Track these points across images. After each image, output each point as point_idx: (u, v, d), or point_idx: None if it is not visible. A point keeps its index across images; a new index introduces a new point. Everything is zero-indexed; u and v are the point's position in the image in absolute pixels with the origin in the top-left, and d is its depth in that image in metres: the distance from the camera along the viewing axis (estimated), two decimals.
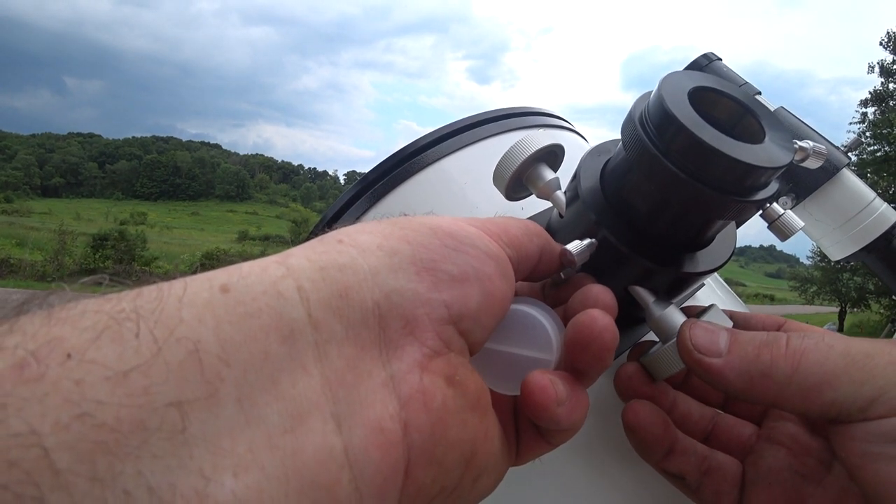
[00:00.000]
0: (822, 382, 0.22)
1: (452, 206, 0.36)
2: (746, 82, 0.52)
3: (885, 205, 0.49)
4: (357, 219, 0.38)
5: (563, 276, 0.28)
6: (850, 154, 0.50)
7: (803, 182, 0.49)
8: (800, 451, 0.25)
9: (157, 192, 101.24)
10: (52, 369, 0.11)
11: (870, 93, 20.02)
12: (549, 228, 0.32)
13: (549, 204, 0.32)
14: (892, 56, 19.36)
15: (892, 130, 16.99)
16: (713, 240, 0.28)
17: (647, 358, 0.27)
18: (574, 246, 0.26)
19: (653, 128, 0.24)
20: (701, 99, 0.25)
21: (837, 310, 23.43)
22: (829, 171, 0.49)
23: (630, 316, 0.30)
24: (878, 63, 19.66)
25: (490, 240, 0.21)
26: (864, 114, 20.07)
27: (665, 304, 0.27)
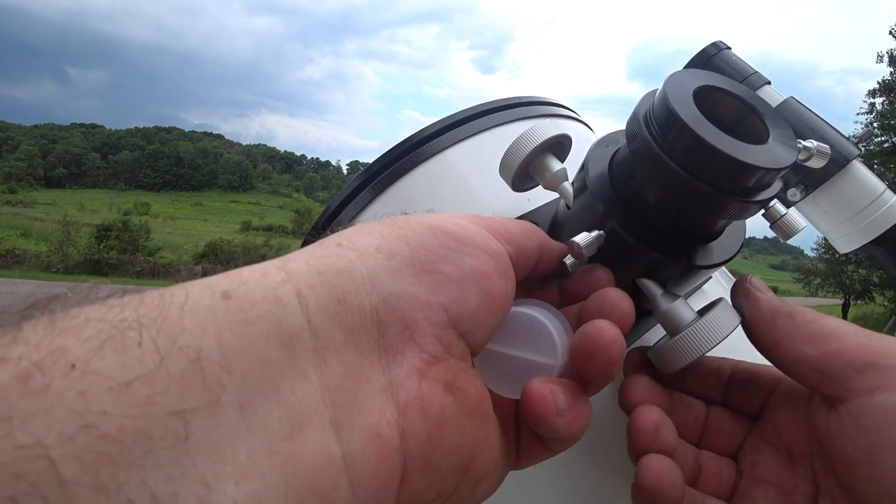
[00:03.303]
0: (829, 335, 0.23)
1: (456, 198, 0.36)
2: (756, 71, 0.52)
3: (895, 198, 0.48)
4: (361, 209, 0.38)
5: (569, 269, 0.27)
6: (860, 145, 0.49)
7: (812, 173, 0.48)
8: (787, 489, 0.25)
9: (160, 182, 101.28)
10: (56, 381, 0.11)
11: (878, 83, 19.81)
12: (556, 219, 0.32)
13: (553, 195, 0.32)
14: None
15: None
16: (722, 232, 0.28)
17: (655, 351, 0.27)
18: (582, 238, 0.26)
19: (657, 126, 0.24)
20: (706, 97, 0.25)
21: (841, 302, 23.32)
22: (838, 162, 0.48)
23: (637, 308, 0.29)
24: (886, 52, 19.43)
25: (490, 237, 0.21)
26: (872, 104, 19.84)
27: (673, 298, 0.27)
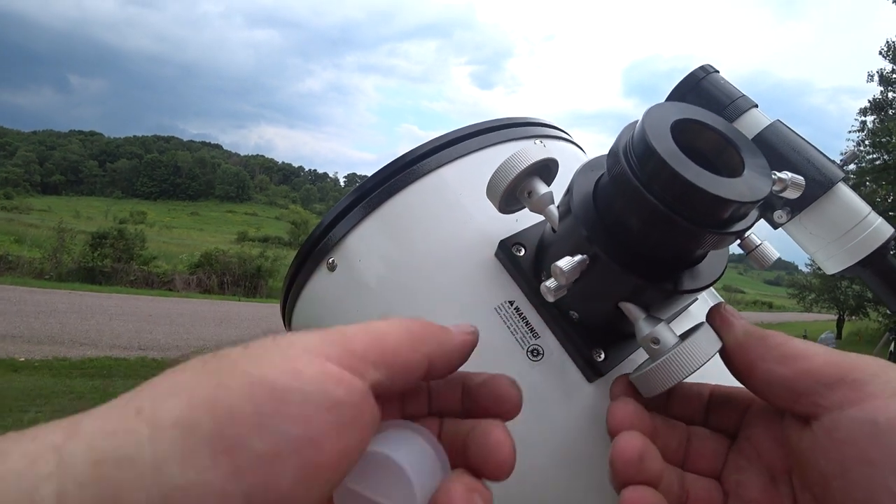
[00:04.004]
0: (798, 355, 0.24)
1: (448, 217, 0.37)
2: (743, 95, 0.52)
3: (881, 219, 0.48)
4: (354, 226, 0.38)
5: (552, 294, 0.27)
6: (845, 168, 0.50)
7: (800, 196, 0.49)
8: None
9: (157, 191, 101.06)
10: None
11: (869, 101, 20.07)
12: (543, 241, 0.33)
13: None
14: (891, 65, 19.36)
15: (891, 139, 16.97)
16: (706, 256, 0.28)
17: (638, 376, 0.27)
18: (565, 262, 0.26)
19: (635, 159, 0.24)
20: (685, 129, 0.26)
21: (836, 317, 23.42)
22: (824, 184, 0.48)
23: (621, 330, 0.30)
24: (877, 72, 19.70)
25: (335, 381, 0.18)
26: (864, 122, 20.09)
27: (655, 322, 0.27)
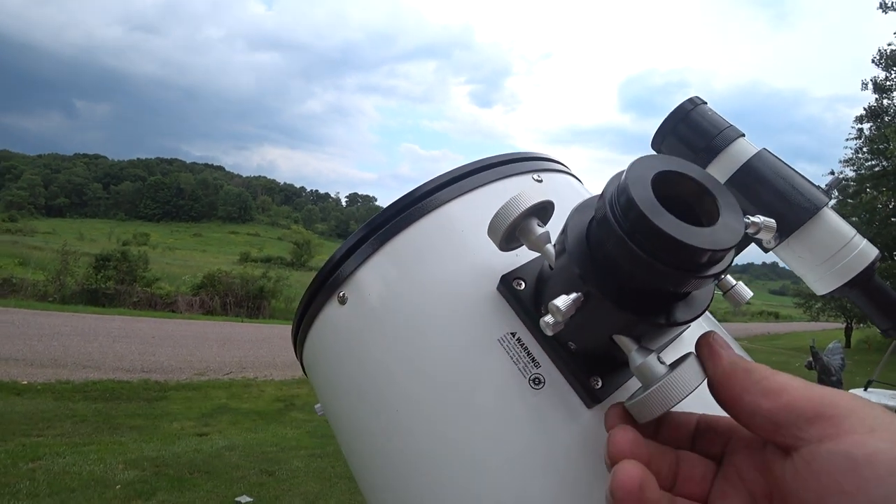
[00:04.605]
0: (781, 389, 0.25)
1: (453, 252, 0.38)
2: (730, 125, 0.54)
3: (865, 241, 0.50)
4: (362, 262, 0.40)
5: (551, 328, 0.29)
6: (830, 193, 0.52)
7: (786, 221, 0.50)
8: None
9: (160, 212, 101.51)
10: None
11: (864, 109, 20.08)
12: (542, 276, 0.35)
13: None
14: (884, 73, 19.37)
15: (889, 145, 16.91)
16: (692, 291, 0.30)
17: (631, 403, 0.29)
18: (562, 301, 0.28)
19: (619, 210, 0.27)
20: (666, 179, 0.29)
21: (843, 326, 23.04)
22: (810, 210, 0.50)
23: (617, 359, 0.32)
24: (871, 80, 19.71)
25: None
26: (860, 130, 20.07)
27: (647, 353, 0.29)
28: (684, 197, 0.29)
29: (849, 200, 19.71)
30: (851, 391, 4.02)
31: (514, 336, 0.34)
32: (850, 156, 20.31)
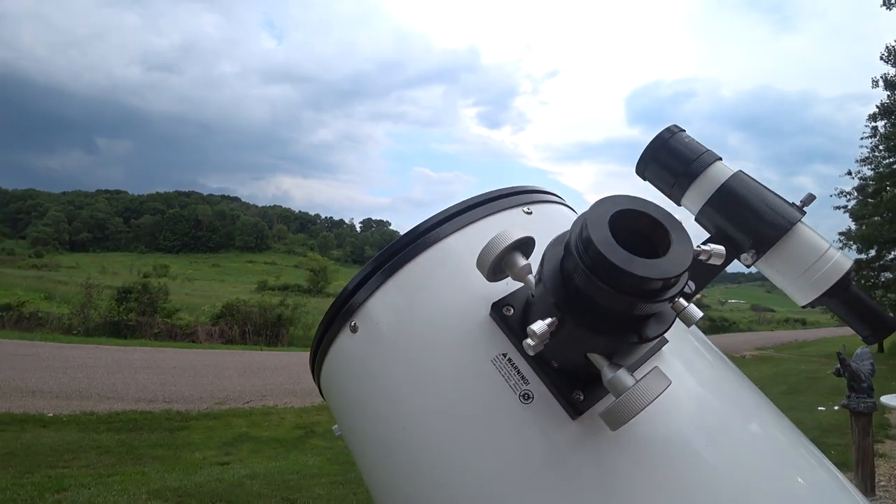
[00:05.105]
0: None
1: (451, 282, 0.43)
2: (707, 150, 0.58)
3: (840, 253, 0.53)
4: (372, 293, 0.45)
5: (531, 351, 0.33)
6: (804, 209, 0.55)
7: (763, 238, 0.54)
8: None
9: (179, 244, 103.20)
10: None
11: (877, 107, 19.55)
12: (527, 302, 0.39)
13: None
14: (894, 69, 18.83)
15: None
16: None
17: (603, 412, 0.32)
18: (538, 326, 0.32)
19: (582, 247, 0.31)
20: (625, 216, 0.33)
21: None
22: (784, 226, 0.53)
23: (596, 375, 0.36)
24: (881, 77, 19.14)
25: None
26: (875, 128, 19.59)
27: (616, 367, 0.33)
28: (643, 231, 0.33)
29: (869, 200, 19.30)
30: (884, 398, 3.89)
31: (505, 357, 0.38)
32: (867, 154, 19.87)
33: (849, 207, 20.01)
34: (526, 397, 0.37)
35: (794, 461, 0.40)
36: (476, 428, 0.37)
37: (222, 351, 13.40)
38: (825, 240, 0.54)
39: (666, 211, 0.34)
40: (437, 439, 0.39)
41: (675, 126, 0.60)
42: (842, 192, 20.24)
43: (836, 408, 6.48)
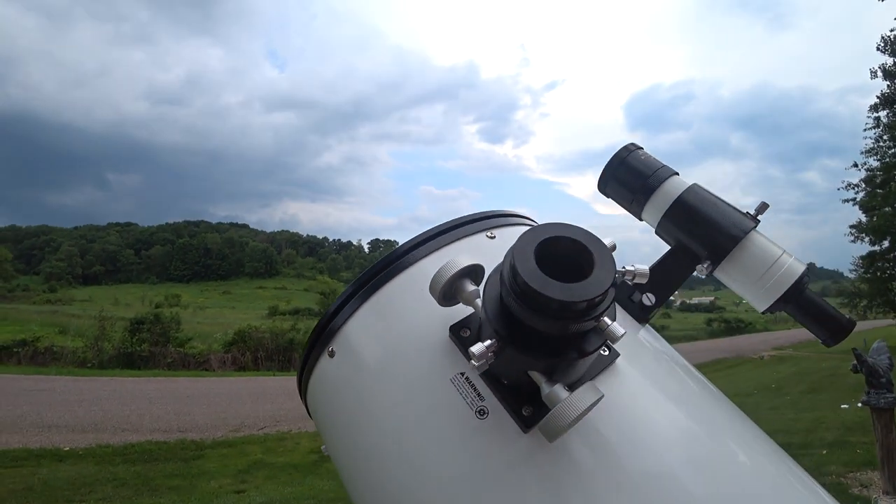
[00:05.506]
0: None
1: (419, 306, 0.46)
2: (663, 165, 0.60)
3: (793, 258, 0.54)
4: (351, 314, 0.48)
5: (478, 369, 0.36)
6: (758, 217, 0.56)
7: (718, 248, 0.55)
8: None
9: (189, 273, 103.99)
10: None
11: (877, 97, 19.47)
12: (480, 326, 0.42)
13: None
14: (892, 59, 18.73)
15: None
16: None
17: (540, 424, 0.35)
18: (477, 348, 0.35)
19: (510, 276, 0.34)
20: (552, 243, 0.35)
21: (895, 321, 21.62)
22: (737, 236, 0.54)
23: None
24: (879, 67, 19.09)
25: None
26: (878, 118, 19.42)
27: (553, 384, 0.35)
28: (568, 255, 0.35)
29: (878, 191, 19.09)
30: None
31: (463, 375, 0.42)
32: (872, 145, 19.70)
33: (858, 200, 19.79)
34: (482, 413, 0.40)
35: (739, 460, 0.42)
36: (439, 441, 0.40)
37: (235, 378, 13.41)
38: (779, 246, 0.55)
39: (590, 235, 0.35)
40: (406, 454, 0.42)
41: (632, 144, 0.62)
42: (849, 185, 20.08)
43: (858, 405, 6.35)
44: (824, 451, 4.76)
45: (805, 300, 0.54)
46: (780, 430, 5.75)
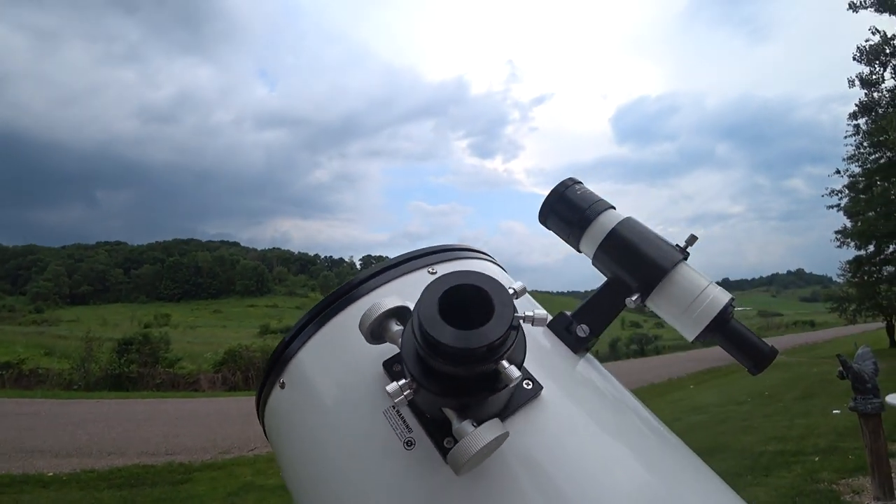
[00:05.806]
0: None
1: (360, 341, 0.47)
2: (600, 199, 0.62)
3: (719, 289, 0.56)
4: (306, 341, 0.51)
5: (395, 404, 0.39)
6: (687, 250, 0.58)
7: (647, 279, 0.57)
8: None
9: (179, 292, 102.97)
10: None
11: (856, 105, 19.98)
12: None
13: None
14: (868, 68, 19.31)
15: (889, 135, 16.50)
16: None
17: (448, 456, 0.37)
18: (391, 388, 0.37)
19: (417, 321, 0.36)
20: (455, 292, 0.37)
21: (884, 325, 21.68)
22: (665, 268, 0.56)
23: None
24: (857, 76, 19.66)
25: None
26: (857, 126, 19.92)
27: (463, 418, 0.38)
28: (471, 302, 0.37)
29: (861, 196, 19.44)
30: (889, 397, 3.80)
31: (394, 408, 0.44)
32: (853, 152, 20.14)
33: (842, 205, 20.19)
34: (409, 444, 0.42)
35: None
36: (370, 471, 0.43)
37: (225, 398, 13.23)
38: (705, 278, 0.57)
39: (493, 281, 0.37)
40: (341, 483, 0.44)
41: (570, 179, 0.65)
42: (833, 191, 20.48)
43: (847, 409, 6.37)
44: (816, 458, 4.75)
45: (730, 330, 0.56)
46: (773, 438, 5.75)
